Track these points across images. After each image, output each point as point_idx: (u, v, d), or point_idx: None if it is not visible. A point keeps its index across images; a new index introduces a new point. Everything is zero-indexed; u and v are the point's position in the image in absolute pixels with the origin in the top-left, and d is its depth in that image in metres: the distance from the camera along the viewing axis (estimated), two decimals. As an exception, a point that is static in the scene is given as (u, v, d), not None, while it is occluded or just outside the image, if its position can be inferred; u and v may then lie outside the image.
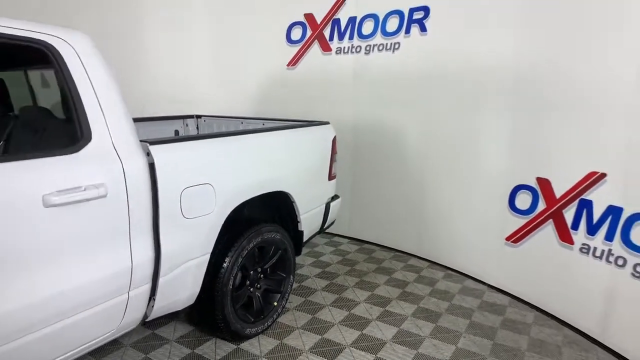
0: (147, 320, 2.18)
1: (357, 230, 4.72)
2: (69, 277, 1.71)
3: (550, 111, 3.05)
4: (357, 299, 3.36)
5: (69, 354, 1.81)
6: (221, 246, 2.47)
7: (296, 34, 4.75)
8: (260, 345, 2.71)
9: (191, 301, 2.39)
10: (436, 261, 4.13)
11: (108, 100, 1.91)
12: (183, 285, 2.25)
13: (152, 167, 1.98)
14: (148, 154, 1.99)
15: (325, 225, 3.43)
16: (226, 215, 2.40)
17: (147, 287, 2.05)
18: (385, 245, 4.54)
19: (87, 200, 1.72)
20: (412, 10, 3.93)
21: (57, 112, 2.33)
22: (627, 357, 2.66)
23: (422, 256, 4.24)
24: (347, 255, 4.29)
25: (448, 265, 4.03)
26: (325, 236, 4.79)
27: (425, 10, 3.85)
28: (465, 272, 3.88)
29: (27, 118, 2.48)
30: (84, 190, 1.71)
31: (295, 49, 4.77)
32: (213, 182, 2.28)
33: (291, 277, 3.03)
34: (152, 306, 2.12)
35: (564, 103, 2.95)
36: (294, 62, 4.80)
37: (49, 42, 1.79)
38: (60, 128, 2.11)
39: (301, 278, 3.70)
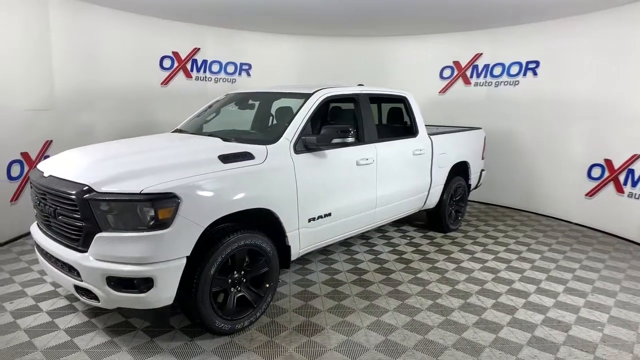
0: (421, 209, 5.17)
1: (484, 196, 7.48)
2: (411, 183, 4.74)
3: (608, 121, 5.67)
4: (497, 225, 6.16)
5: (406, 212, 4.86)
6: (445, 183, 5.40)
7: (446, 72, 7.67)
8: (454, 234, 5.62)
9: (435, 204, 5.34)
10: (540, 212, 6.79)
11: (419, 117, 4.94)
12: (435, 195, 5.24)
13: (432, 143, 4.97)
14: (430, 138, 4.97)
15: (479, 183, 6.27)
16: (449, 169, 5.34)
17: (426, 193, 5.04)
18: (504, 205, 7.27)
19: (421, 154, 4.75)
20: (528, 62, 6.69)
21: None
22: (651, 248, 5.21)
23: (530, 210, 6.93)
24: (481, 210, 7.09)
25: (548, 214, 6.69)
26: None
27: (537, 62, 6.58)
28: (559, 217, 6.52)
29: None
30: (421, 150, 4.74)
31: (445, 82, 7.69)
32: (447, 152, 5.24)
33: (465, 204, 5.92)
34: (426, 201, 5.10)
35: (615, 115, 5.56)
36: (444, 90, 7.72)
37: (403, 95, 4.87)
38: (404, 129, 5.13)
39: (460, 215, 6.55)
